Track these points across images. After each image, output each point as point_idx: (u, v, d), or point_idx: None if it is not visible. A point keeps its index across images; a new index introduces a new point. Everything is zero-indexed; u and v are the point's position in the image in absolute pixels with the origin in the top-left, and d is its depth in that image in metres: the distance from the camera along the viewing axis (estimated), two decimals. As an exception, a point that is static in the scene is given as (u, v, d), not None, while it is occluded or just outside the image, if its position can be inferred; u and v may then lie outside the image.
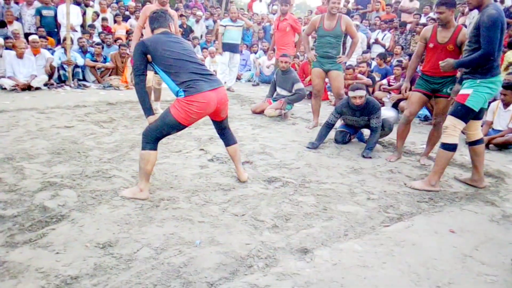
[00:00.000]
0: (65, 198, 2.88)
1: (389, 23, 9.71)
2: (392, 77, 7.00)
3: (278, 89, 6.18)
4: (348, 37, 5.60)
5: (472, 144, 3.62)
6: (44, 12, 9.01)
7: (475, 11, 3.49)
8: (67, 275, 2.04)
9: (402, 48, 8.51)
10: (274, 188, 3.35)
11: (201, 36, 10.78)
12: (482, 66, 3.27)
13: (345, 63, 5.68)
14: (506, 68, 6.80)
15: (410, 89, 4.30)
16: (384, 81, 7.12)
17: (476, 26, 3.25)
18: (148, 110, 2.98)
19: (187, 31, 10.70)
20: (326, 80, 5.71)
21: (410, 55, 6.58)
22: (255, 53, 10.58)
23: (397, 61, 7.36)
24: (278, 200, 3.10)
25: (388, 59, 7.87)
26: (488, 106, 5.24)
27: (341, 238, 2.60)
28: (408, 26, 9.28)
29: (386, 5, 11.15)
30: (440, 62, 3.54)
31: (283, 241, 2.51)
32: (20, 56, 7.08)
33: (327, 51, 5.24)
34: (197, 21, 11.11)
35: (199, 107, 2.86)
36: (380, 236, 2.65)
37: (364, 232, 2.70)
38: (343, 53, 5.97)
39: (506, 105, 5.20)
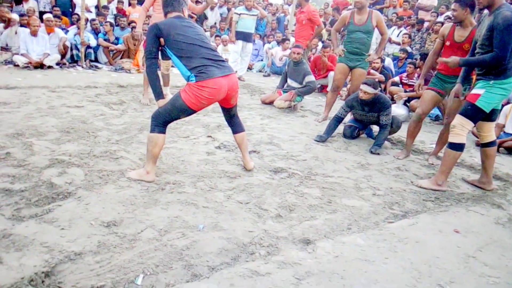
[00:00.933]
0: (73, 176, 2.91)
1: (406, 20, 9.57)
2: (404, 74, 6.91)
3: (289, 81, 6.14)
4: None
5: (484, 146, 3.57)
6: (60, -9, 9.04)
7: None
8: (71, 250, 2.06)
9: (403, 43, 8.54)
10: (279, 179, 3.35)
11: (215, 23, 10.73)
12: (491, 68, 3.19)
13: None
14: None
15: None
16: (397, 78, 7.04)
17: (490, 28, 3.15)
18: (158, 93, 2.98)
19: (201, 18, 10.65)
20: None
21: (423, 54, 6.46)
22: (269, 43, 10.51)
23: (412, 58, 7.26)
24: (283, 191, 3.10)
25: (403, 55, 7.76)
26: (502, 108, 5.17)
27: (344, 231, 2.60)
28: (426, 24, 9.13)
29: (404, 1, 10.97)
30: (444, 58, 3.47)
31: (286, 230, 2.52)
32: (34, 33, 7.10)
33: (357, 47, 5.08)
34: (212, 8, 11.04)
35: (210, 92, 2.85)
36: (383, 231, 2.64)
37: (368, 227, 2.69)
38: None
39: (519, 108, 5.12)
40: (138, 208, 2.57)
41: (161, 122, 2.93)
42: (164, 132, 2.96)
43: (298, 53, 5.92)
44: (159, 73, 5.25)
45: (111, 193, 2.72)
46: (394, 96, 6.52)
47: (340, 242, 2.44)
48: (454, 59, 3.38)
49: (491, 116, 3.43)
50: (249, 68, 9.37)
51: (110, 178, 2.95)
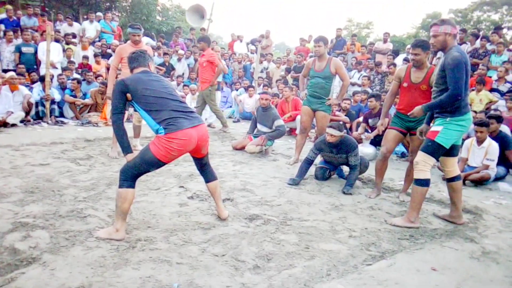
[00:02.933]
0: (37, 239, 2.75)
1: (365, 63, 10.08)
2: (368, 112, 7.15)
3: (259, 126, 6.23)
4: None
5: (450, 180, 3.68)
6: (24, 49, 9.02)
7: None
8: (34, 324, 1.91)
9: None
10: (255, 226, 3.29)
11: (182, 74, 10.91)
12: (451, 106, 3.37)
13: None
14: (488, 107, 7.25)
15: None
16: (361, 119, 7.27)
17: (442, 68, 3.39)
18: (126, 148, 2.93)
19: (168, 69, 10.83)
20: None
21: (376, 95, 6.86)
22: (236, 90, 10.74)
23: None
24: (260, 239, 3.04)
25: (364, 97, 8.08)
26: (463, 143, 5.41)
27: (324, 278, 2.55)
28: (383, 67, 9.64)
29: (361, 46, 11.61)
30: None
31: (265, 282, 2.44)
32: (-4, 92, 6.96)
33: (316, 91, 5.39)
34: (179, 60, 11.28)
35: (180, 144, 2.84)
36: (363, 275, 2.61)
37: (347, 271, 2.66)
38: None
39: (479, 142, 5.36)
40: (108, 270, 2.44)
41: (130, 177, 2.86)
42: (133, 187, 2.88)
43: (266, 99, 6.07)
44: (131, 125, 5.19)
45: (79, 255, 2.58)
46: (362, 136, 6.72)
47: (320, 290, 2.38)
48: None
49: (452, 151, 3.57)
50: (219, 115, 9.44)
51: (77, 239, 2.81)
